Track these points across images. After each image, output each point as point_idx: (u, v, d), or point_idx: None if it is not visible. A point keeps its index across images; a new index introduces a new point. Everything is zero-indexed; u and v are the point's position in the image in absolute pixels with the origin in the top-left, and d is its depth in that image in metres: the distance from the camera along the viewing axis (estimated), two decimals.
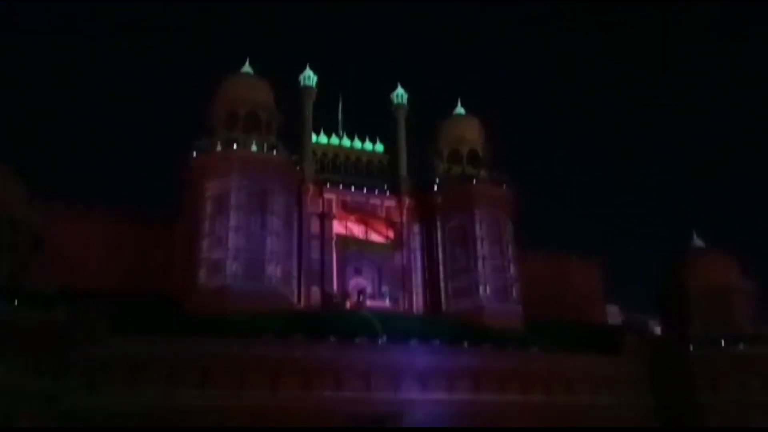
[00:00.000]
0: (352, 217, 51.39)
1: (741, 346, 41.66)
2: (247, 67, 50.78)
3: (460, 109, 57.41)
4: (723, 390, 40.18)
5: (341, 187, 51.70)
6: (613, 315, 62.81)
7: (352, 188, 51.96)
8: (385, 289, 50.00)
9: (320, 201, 50.43)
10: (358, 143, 55.29)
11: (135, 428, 29.68)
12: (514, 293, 49.52)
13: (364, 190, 52.29)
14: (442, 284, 50.25)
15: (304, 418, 33.89)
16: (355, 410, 34.89)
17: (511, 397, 38.87)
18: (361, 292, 48.96)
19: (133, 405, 30.33)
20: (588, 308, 57.20)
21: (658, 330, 52.37)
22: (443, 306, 49.42)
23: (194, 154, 46.09)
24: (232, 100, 48.23)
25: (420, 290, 51.44)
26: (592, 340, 43.76)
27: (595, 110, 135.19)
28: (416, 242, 52.49)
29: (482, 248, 49.83)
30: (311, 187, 50.29)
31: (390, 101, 57.29)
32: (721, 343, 41.84)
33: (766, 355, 41.12)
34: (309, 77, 54.70)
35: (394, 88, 57.68)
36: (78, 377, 29.65)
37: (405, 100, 57.26)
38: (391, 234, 52.21)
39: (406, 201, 52.87)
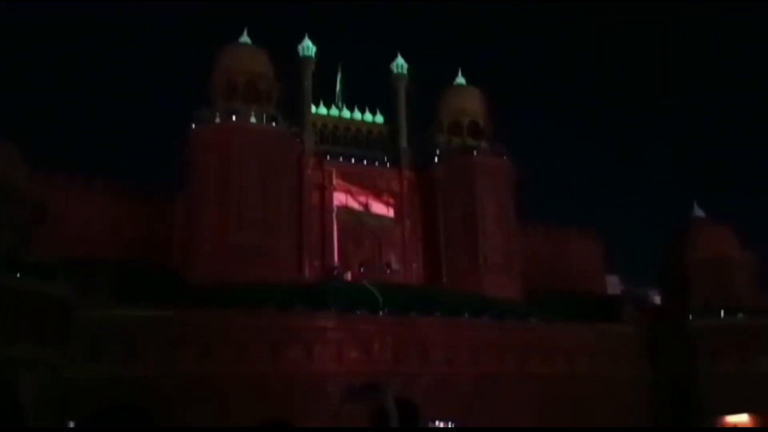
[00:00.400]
0: (353, 189, 51.31)
1: (740, 317, 41.81)
2: (245, 37, 50.20)
3: (460, 80, 56.90)
4: (722, 360, 40.44)
5: (341, 158, 51.50)
6: (613, 286, 63.01)
7: (352, 160, 51.76)
8: (385, 260, 50.14)
9: (320, 172, 50.28)
10: (357, 114, 55.00)
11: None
12: (515, 265, 49.66)
13: (365, 162, 52.11)
14: (442, 256, 50.33)
15: (305, 387, 34.30)
16: (355, 380, 35.25)
17: (510, 368, 39.26)
18: (361, 263, 49.10)
19: (134, 373, 30.61)
20: (588, 279, 57.35)
21: (658, 300, 52.59)
22: (444, 278, 49.57)
23: (193, 126, 45.91)
24: (230, 71, 47.77)
25: (420, 262, 51.55)
26: (592, 311, 44.03)
27: (596, 82, 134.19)
28: (416, 214, 52.45)
29: (482, 220, 49.82)
30: (311, 159, 50.12)
31: (390, 71, 56.80)
32: (720, 313, 41.98)
33: (766, 325, 41.28)
34: (308, 47, 54.17)
35: (394, 57, 57.14)
36: (80, 346, 29.93)
37: (405, 70, 56.77)
38: (391, 205, 52.17)
39: (407, 172, 52.72)
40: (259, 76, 48.04)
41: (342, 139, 53.43)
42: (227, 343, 33.52)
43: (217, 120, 45.59)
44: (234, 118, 45.39)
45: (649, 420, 40.36)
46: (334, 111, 54.34)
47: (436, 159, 52.66)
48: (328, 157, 50.98)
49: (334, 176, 50.71)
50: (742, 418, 40.81)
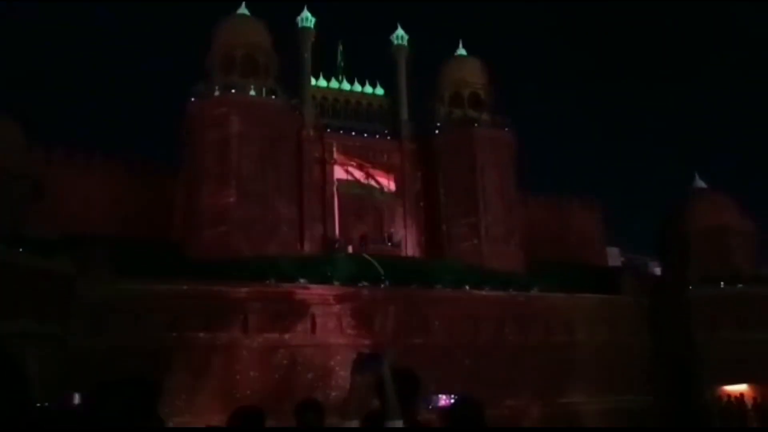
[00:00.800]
0: (353, 162, 51.10)
1: (740, 287, 41.90)
2: (243, 9, 49.59)
3: (461, 51, 56.29)
4: (721, 328, 40.65)
5: (342, 131, 51.19)
6: (614, 257, 63.20)
7: (353, 133, 51.48)
8: (386, 233, 50.15)
9: (320, 146, 50.04)
10: (358, 87, 54.53)
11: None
12: (516, 237, 49.68)
13: (365, 135, 51.83)
14: (443, 228, 50.34)
15: (308, 358, 34.63)
16: (359, 350, 35.58)
17: (511, 339, 39.54)
18: (362, 236, 49.11)
19: (136, 346, 30.92)
20: (588, 250, 57.49)
21: (658, 271, 52.75)
22: (445, 250, 49.63)
23: (192, 100, 45.59)
24: (228, 43, 47.27)
25: (422, 234, 51.58)
26: (592, 282, 44.19)
27: (597, 52, 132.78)
28: (418, 186, 52.35)
29: (483, 192, 49.70)
30: (311, 132, 49.83)
31: (390, 43, 56.18)
32: (720, 283, 42.07)
33: (765, 294, 41.40)
34: (307, 19, 53.50)
35: (394, 29, 56.47)
36: (82, 320, 30.20)
37: (405, 42, 56.14)
38: (392, 178, 52.03)
39: (407, 145, 52.44)
40: (258, 49, 47.56)
41: (342, 112, 53.06)
42: (229, 315, 33.77)
43: (216, 93, 45.27)
44: (233, 91, 45.05)
45: (649, 391, 40.76)
46: (334, 83, 53.87)
47: (437, 131, 52.37)
48: (328, 130, 50.69)
49: (334, 149, 50.48)
50: (740, 388, 41.17)
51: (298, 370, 34.34)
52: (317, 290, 36.39)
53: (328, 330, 35.72)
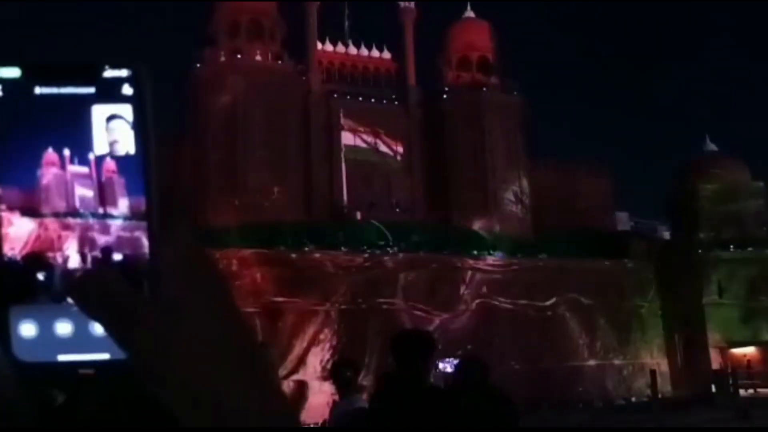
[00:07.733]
0: (361, 129, 50.70)
1: (750, 249, 41.84)
2: None
3: (469, 13, 55.38)
4: (730, 292, 40.74)
5: (348, 97, 50.67)
6: (623, 221, 62.89)
7: (360, 98, 50.95)
8: (394, 199, 50.00)
9: (327, 111, 49.64)
10: (364, 51, 53.78)
11: None
12: (524, 202, 49.52)
13: (372, 100, 51.30)
14: (452, 194, 50.13)
15: (317, 324, 34.97)
16: (368, 319, 35.93)
17: (520, 303, 39.70)
18: (370, 203, 49.00)
19: None
20: (598, 216, 57.06)
21: (667, 235, 52.59)
22: (453, 216, 49.51)
23: (197, 65, 45.27)
24: (233, 8, 46.62)
25: (429, 200, 51.40)
26: (602, 247, 44.16)
27: (607, 16, 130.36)
28: (425, 151, 51.94)
29: (492, 158, 49.40)
30: (318, 98, 49.41)
31: (397, 6, 55.25)
32: (729, 246, 41.99)
33: None
34: None
35: None
36: None
37: (412, 4, 55.20)
38: (399, 144, 51.66)
39: (415, 110, 51.93)
40: (264, 14, 46.98)
41: (349, 78, 52.45)
42: (238, 282, 33.96)
43: (222, 59, 44.91)
44: (239, 56, 44.65)
45: (660, 355, 41.07)
46: (340, 48, 53.18)
47: (444, 96, 51.82)
48: (335, 96, 50.19)
49: (341, 115, 50.05)
50: (748, 351, 41.33)
51: (308, 334, 34.64)
52: (325, 257, 36.53)
53: (337, 295, 35.93)
